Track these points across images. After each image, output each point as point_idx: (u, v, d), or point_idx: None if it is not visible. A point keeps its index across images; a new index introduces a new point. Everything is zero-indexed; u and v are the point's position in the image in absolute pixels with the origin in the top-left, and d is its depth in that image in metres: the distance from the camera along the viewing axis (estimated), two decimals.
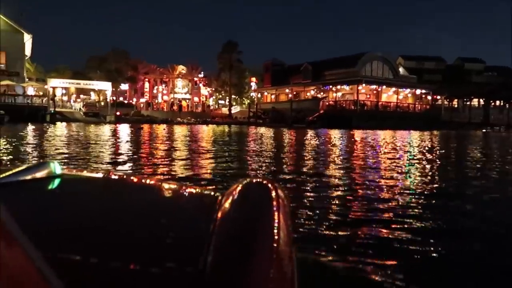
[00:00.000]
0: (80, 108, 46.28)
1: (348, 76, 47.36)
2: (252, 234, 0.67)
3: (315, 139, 20.81)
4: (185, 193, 1.11)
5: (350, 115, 43.38)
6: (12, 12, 42.29)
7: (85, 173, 1.35)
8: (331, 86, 49.97)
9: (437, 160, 10.76)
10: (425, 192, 5.52)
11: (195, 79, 63.16)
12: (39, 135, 18.49)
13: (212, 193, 0.98)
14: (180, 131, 27.56)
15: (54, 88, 48.29)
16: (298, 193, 5.34)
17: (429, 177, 7.40)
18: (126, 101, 58.90)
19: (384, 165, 8.92)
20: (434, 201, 5.06)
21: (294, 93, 55.21)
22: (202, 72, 64.39)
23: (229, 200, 0.82)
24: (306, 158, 10.66)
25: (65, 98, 50.11)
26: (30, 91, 43.44)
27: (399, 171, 8.01)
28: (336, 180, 6.64)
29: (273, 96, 61.50)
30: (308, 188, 5.89)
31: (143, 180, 1.36)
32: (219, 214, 0.76)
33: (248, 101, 67.80)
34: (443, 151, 15.08)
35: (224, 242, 0.65)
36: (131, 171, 7.84)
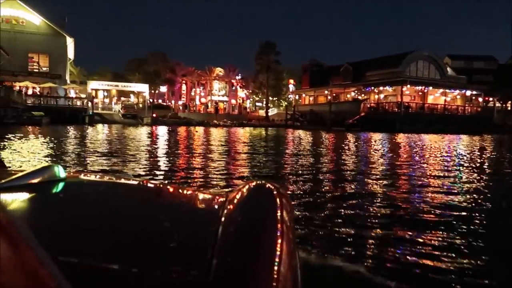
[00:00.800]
0: (119, 110, 46.92)
1: (391, 76, 44.91)
2: (255, 237, 0.67)
3: (356, 144, 19.28)
4: (190, 196, 1.13)
5: (394, 118, 41.02)
6: (55, 16, 43.40)
7: (89, 177, 1.33)
8: (372, 88, 47.64)
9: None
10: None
11: (232, 81, 62.68)
12: (63, 136, 18.24)
13: (217, 197, 1.01)
14: (215, 134, 26.83)
15: (96, 90, 49.48)
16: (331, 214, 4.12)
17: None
18: (164, 103, 59.35)
19: (438, 180, 7.46)
20: None
21: (334, 95, 53.21)
22: (239, 74, 63.83)
23: (234, 204, 0.83)
24: (346, 166, 9.33)
25: (107, 100, 51.24)
26: (72, 93, 44.54)
27: (459, 190, 6.56)
28: (381, 201, 5.32)
29: (311, 98, 59.78)
30: (349, 209, 4.64)
31: (147, 184, 1.33)
32: (224, 218, 0.76)
33: (286, 103, 66.47)
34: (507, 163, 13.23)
35: (228, 245, 0.65)
36: (162, 177, 6.97)
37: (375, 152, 14.31)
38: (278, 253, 0.62)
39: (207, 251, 0.63)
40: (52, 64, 42.60)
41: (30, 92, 39.32)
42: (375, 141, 21.44)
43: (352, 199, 5.38)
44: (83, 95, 44.41)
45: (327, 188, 6.47)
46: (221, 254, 0.62)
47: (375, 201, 5.22)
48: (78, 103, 40.16)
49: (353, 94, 51.74)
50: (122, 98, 53.98)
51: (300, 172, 8.14)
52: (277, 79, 63.05)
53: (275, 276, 0.56)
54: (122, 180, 1.27)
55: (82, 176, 1.30)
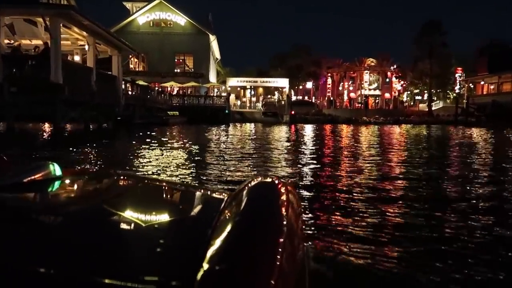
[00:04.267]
0: (260, 108, 44.69)
1: None
2: (250, 243, 0.59)
3: None
4: (191, 194, 1.10)
5: None
6: (198, 15, 43.17)
7: (86, 174, 1.32)
8: None
9: None
10: None
11: (387, 72, 54.46)
12: (173, 136, 15.04)
13: (219, 194, 0.99)
14: (364, 134, 21.04)
15: (242, 88, 48.35)
16: None
17: None
18: (308, 100, 55.18)
19: None
20: None
21: None
22: (394, 65, 55.12)
23: (234, 202, 0.76)
24: None
25: (254, 99, 49.93)
26: (215, 92, 44.06)
27: None
28: None
29: (492, 87, 47.25)
30: None
31: (146, 181, 1.29)
32: (219, 219, 0.70)
33: (455, 94, 54.75)
34: None
35: (218, 252, 0.58)
36: None
37: None
38: (278, 256, 0.54)
39: (194, 259, 0.55)
40: (196, 64, 42.58)
41: (175, 92, 39.78)
42: None
43: None
44: (224, 94, 43.49)
45: None
46: (209, 262, 0.54)
47: None
48: (219, 101, 38.98)
49: None
50: (269, 96, 51.99)
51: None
52: (442, 66, 52.17)
53: (274, 280, 0.50)
54: (121, 177, 1.22)
55: (79, 174, 1.28)
